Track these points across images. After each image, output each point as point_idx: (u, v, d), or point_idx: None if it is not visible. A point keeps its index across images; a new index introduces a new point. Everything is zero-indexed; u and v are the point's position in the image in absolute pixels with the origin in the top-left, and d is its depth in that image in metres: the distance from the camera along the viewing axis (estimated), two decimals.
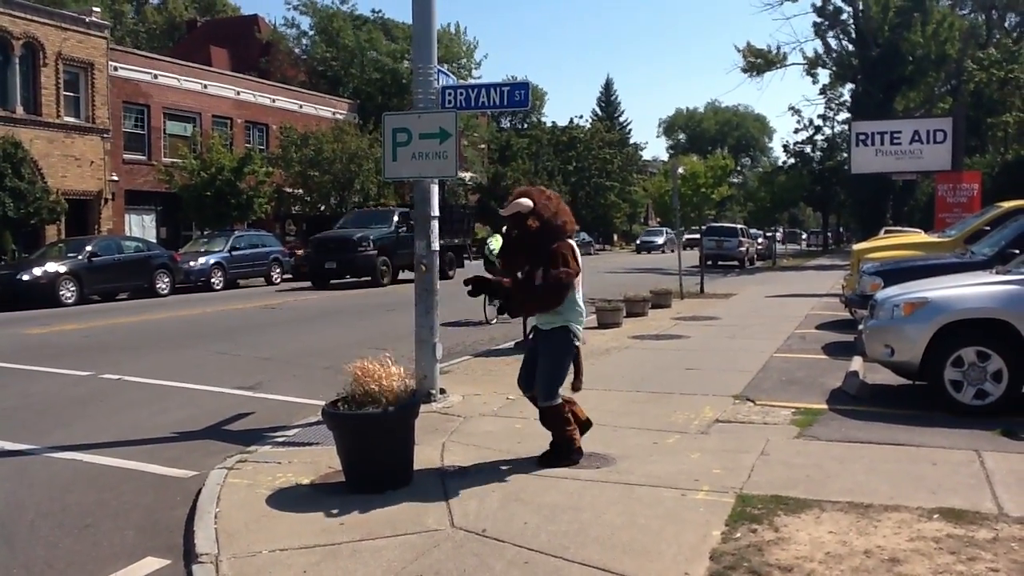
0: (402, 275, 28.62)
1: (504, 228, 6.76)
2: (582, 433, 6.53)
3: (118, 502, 6.03)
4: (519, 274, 6.41)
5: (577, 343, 6.36)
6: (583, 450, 6.38)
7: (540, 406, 6.32)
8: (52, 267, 22.45)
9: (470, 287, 7.49)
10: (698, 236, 31.33)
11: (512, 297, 6.42)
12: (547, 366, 6.27)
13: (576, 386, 6.57)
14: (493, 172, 55.47)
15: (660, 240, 60.94)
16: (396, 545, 4.84)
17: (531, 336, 6.61)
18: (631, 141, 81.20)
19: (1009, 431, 6.93)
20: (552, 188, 44.37)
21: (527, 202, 6.15)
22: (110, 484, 6.44)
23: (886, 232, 28.53)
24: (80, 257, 23.37)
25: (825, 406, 8.20)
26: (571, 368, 6.46)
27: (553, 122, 70.96)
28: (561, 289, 6.10)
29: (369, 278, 27.45)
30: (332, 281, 27.79)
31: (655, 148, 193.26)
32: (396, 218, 29.24)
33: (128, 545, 5.22)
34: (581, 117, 76.16)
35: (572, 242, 6.32)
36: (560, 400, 6.30)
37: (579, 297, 6.34)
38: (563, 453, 6.33)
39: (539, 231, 6.10)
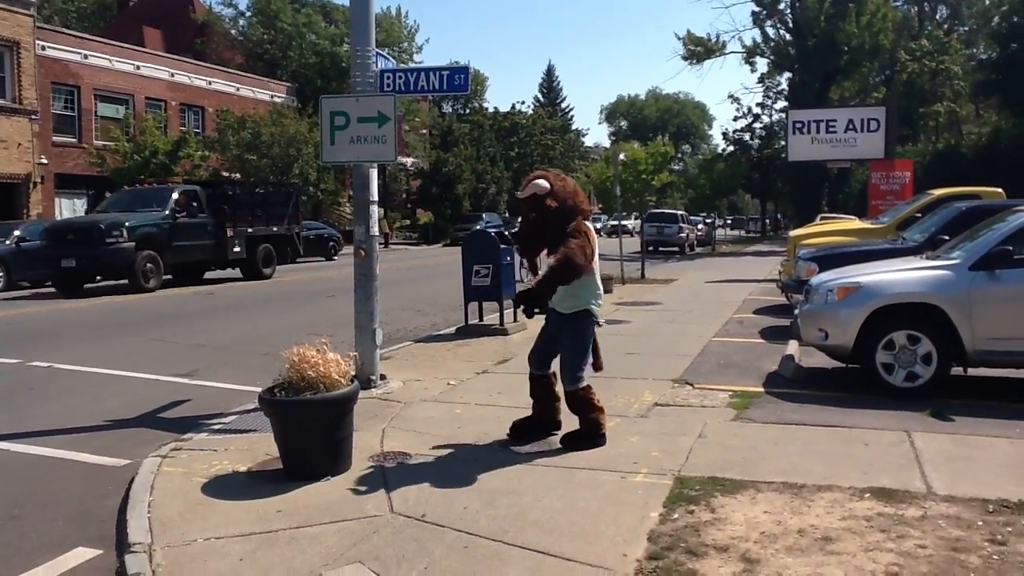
0: (200, 275, 24.31)
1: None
2: (550, 429, 6.54)
3: (47, 492, 5.87)
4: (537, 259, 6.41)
5: (596, 323, 6.38)
6: (605, 437, 6.36)
7: (567, 390, 6.31)
8: None
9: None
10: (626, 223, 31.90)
11: (530, 290, 6.21)
12: (572, 350, 6.28)
13: (597, 366, 6.58)
14: (435, 157, 55.11)
15: (596, 225, 61.56)
16: (334, 531, 4.79)
17: (546, 319, 6.56)
18: (573, 127, 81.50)
19: (938, 412, 7.12)
20: (494, 173, 44.12)
21: (544, 183, 6.16)
22: (39, 474, 6.27)
23: (822, 219, 29.10)
24: (8, 242, 22.63)
25: (762, 389, 8.34)
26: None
27: (495, 108, 70.86)
28: (574, 262, 5.98)
29: (126, 280, 20.69)
30: (86, 286, 21.22)
31: (597, 134, 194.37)
32: (175, 198, 22.39)
33: (57, 536, 5.08)
34: (523, 103, 75.92)
35: (588, 224, 6.32)
36: (587, 383, 6.30)
37: (597, 279, 6.38)
38: (589, 436, 6.32)
39: (557, 212, 6.11)
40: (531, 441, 6.46)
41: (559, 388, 6.50)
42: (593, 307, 6.32)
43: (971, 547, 4.37)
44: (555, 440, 6.47)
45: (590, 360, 6.42)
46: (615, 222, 56.79)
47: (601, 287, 6.48)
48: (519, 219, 6.68)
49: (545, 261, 6.24)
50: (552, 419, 6.62)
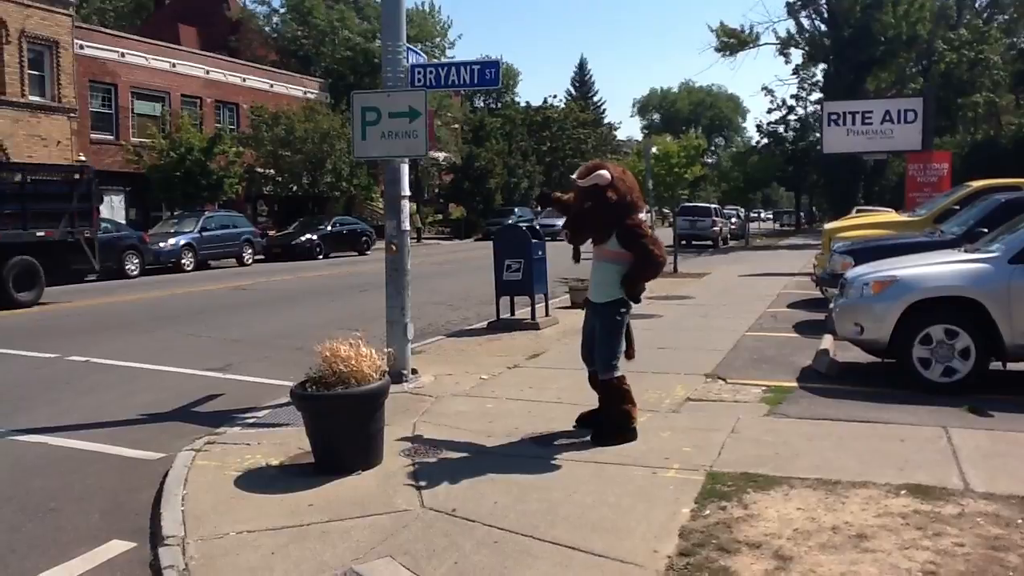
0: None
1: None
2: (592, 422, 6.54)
3: (83, 485, 5.95)
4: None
5: (628, 312, 6.42)
6: (636, 431, 6.37)
7: (600, 379, 6.34)
8: None
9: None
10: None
11: (631, 285, 6.28)
12: (605, 339, 6.33)
13: (629, 355, 6.62)
14: (467, 152, 55.12)
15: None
16: (365, 526, 4.81)
17: (585, 312, 6.68)
18: (605, 121, 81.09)
19: (976, 408, 7.00)
20: (526, 168, 44.04)
21: (606, 174, 6.18)
22: (75, 467, 6.36)
23: (857, 211, 28.69)
24: None
25: (795, 384, 8.25)
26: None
27: (527, 102, 70.68)
28: (656, 254, 6.16)
29: None
30: None
31: (629, 128, 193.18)
32: None
33: (93, 528, 5.15)
34: (555, 97, 75.81)
35: (643, 216, 6.39)
36: (621, 373, 6.31)
37: None
38: (619, 429, 6.30)
39: (616, 204, 6.14)
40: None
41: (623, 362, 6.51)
42: (626, 296, 6.32)
43: (1010, 545, 4.29)
44: (584, 434, 6.45)
45: (623, 349, 6.42)
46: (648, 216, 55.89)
47: None
48: (540, 210, 6.71)
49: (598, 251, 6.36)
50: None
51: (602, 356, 6.32)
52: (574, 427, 6.64)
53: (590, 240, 6.45)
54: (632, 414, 6.35)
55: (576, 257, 6.70)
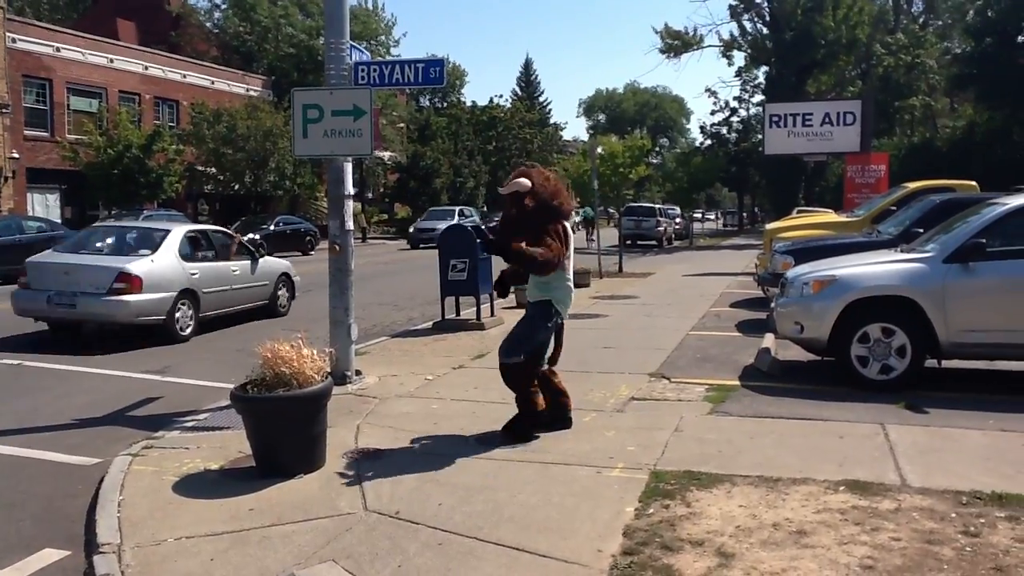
0: None
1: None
2: (561, 419, 6.63)
3: (14, 492, 5.77)
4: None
5: (559, 320, 6.48)
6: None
7: (501, 361, 6.40)
8: None
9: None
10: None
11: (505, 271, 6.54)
12: (521, 328, 6.43)
13: (552, 361, 6.68)
14: (412, 151, 54.84)
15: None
16: (307, 530, 4.74)
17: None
18: (551, 121, 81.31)
19: (912, 405, 7.15)
20: (472, 167, 43.98)
21: (526, 182, 6.27)
22: (6, 473, 6.17)
23: (798, 212, 29.18)
24: None
25: (738, 382, 8.34)
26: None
27: (473, 101, 70.60)
28: (545, 263, 6.16)
29: None
30: None
31: (575, 128, 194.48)
32: None
33: (25, 537, 5.00)
34: (501, 97, 75.82)
35: (566, 223, 6.45)
36: (520, 359, 6.32)
37: (569, 278, 6.49)
38: (526, 417, 6.40)
39: (535, 210, 6.22)
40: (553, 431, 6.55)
41: (558, 381, 6.65)
42: (555, 301, 6.40)
43: (944, 539, 4.38)
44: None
45: (542, 350, 6.49)
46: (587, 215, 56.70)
47: (572, 284, 6.56)
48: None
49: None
50: (562, 416, 6.68)
51: (508, 341, 6.41)
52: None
53: None
54: (537, 400, 6.44)
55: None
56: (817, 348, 8.42)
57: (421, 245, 35.79)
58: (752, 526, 4.60)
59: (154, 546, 4.62)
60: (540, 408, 6.45)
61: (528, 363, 6.35)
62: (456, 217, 35.31)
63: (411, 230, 40.02)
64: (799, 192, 54.95)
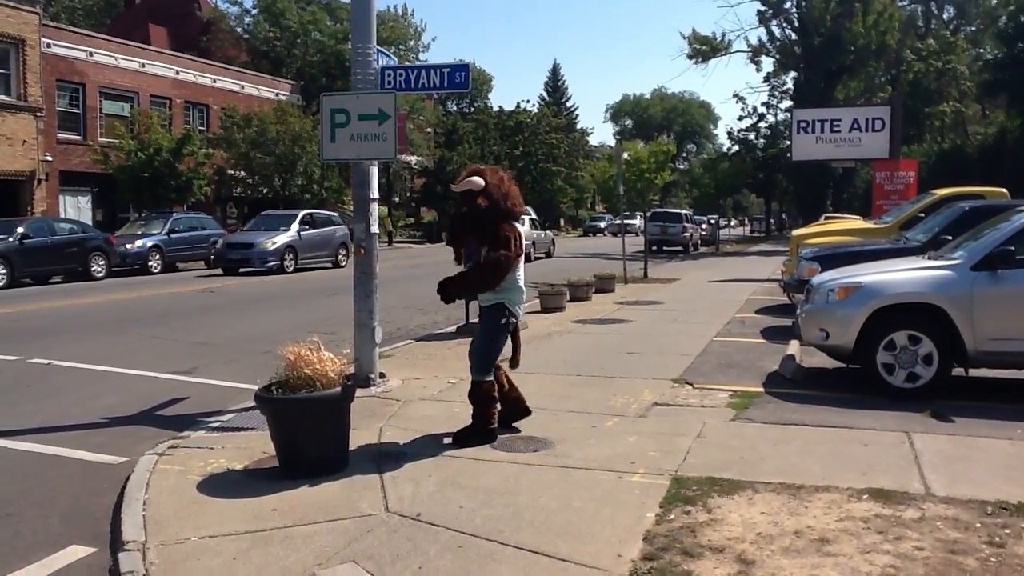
0: None
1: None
2: (517, 419, 6.72)
3: (42, 489, 5.86)
4: (462, 252, 6.55)
5: (514, 320, 6.49)
6: (497, 433, 6.49)
7: (473, 380, 6.41)
8: None
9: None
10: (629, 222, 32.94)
11: (450, 281, 6.43)
12: (481, 341, 6.42)
13: (513, 363, 6.75)
14: (439, 156, 55.05)
15: (602, 224, 68.19)
16: (328, 530, 4.77)
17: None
18: (578, 126, 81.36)
19: (938, 413, 7.08)
20: None
21: (479, 180, 6.25)
22: (34, 471, 6.26)
23: (826, 218, 29.03)
24: (11, 239, 22.65)
25: (762, 389, 8.30)
26: (510, 346, 6.65)
27: (500, 106, 70.68)
28: (499, 269, 6.23)
29: None
30: None
31: (602, 134, 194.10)
32: None
33: (52, 533, 5.07)
34: (528, 102, 75.72)
35: (518, 225, 6.45)
36: (491, 378, 6.41)
37: (519, 277, 6.46)
38: (480, 430, 6.41)
39: (487, 210, 6.21)
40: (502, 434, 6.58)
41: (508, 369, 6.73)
42: (508, 303, 6.42)
43: (968, 549, 4.34)
44: (551, 439, 6.47)
45: (502, 356, 6.56)
46: (619, 221, 57.18)
47: (523, 285, 6.56)
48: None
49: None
50: (519, 408, 6.77)
51: (477, 358, 6.40)
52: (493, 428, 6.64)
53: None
54: (493, 417, 6.45)
55: (457, 259, 6.76)
56: (842, 355, 8.37)
57: None
58: (773, 533, 4.58)
59: (178, 544, 4.68)
60: (495, 419, 6.47)
61: (492, 381, 6.44)
62: None
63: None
64: (827, 198, 54.67)
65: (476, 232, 6.30)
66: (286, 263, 26.08)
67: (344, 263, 27.98)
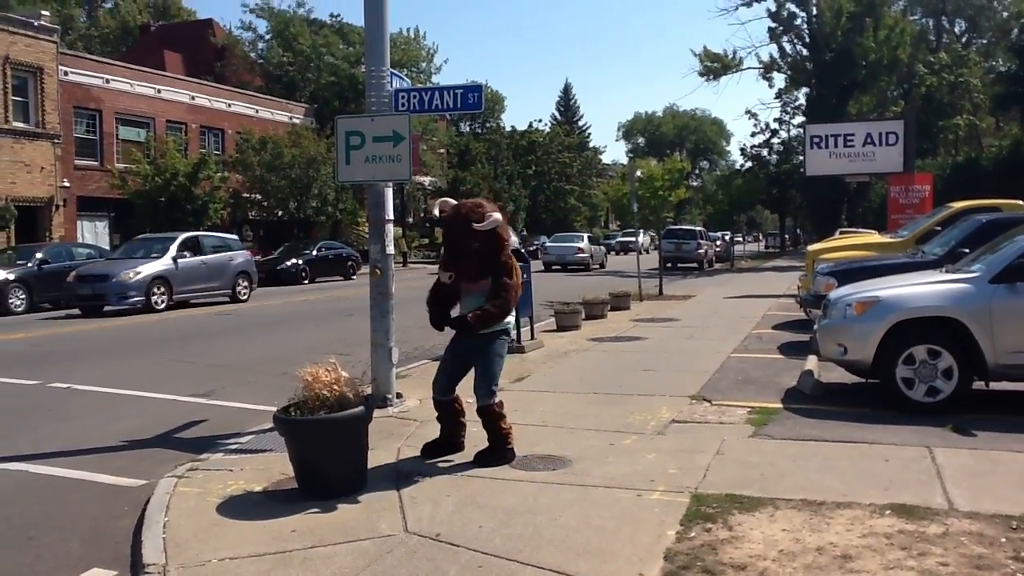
0: None
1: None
2: (450, 452, 6.66)
3: (63, 513, 5.88)
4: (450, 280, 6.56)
5: (510, 341, 6.85)
6: (513, 451, 6.52)
7: (481, 405, 6.43)
8: (0, 274, 21.92)
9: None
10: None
11: (475, 319, 6.38)
12: (488, 368, 6.48)
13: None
14: (452, 176, 55.28)
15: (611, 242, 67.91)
16: (348, 551, 4.76)
17: (455, 340, 6.74)
18: (590, 145, 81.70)
19: (960, 427, 7.02)
20: (512, 192, 44.30)
21: (500, 217, 6.34)
22: (55, 495, 6.29)
23: (841, 233, 28.92)
24: (30, 264, 22.87)
25: (780, 405, 8.25)
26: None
27: (512, 126, 71.02)
28: (515, 298, 6.48)
29: None
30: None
31: (615, 152, 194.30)
32: None
33: (73, 557, 5.08)
34: (540, 121, 76.06)
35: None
36: (499, 399, 6.49)
37: None
38: (499, 451, 6.45)
39: (498, 243, 6.35)
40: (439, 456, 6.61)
41: (465, 412, 6.73)
42: (510, 327, 6.72)
43: (994, 565, 4.29)
44: (569, 457, 6.45)
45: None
46: (624, 239, 57.42)
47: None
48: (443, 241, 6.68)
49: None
50: (456, 442, 6.73)
51: (485, 384, 6.44)
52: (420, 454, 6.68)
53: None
54: (511, 435, 6.51)
55: (454, 287, 6.73)
56: (861, 370, 8.31)
57: None
58: (796, 550, 4.54)
59: (198, 567, 4.68)
60: (509, 432, 6.52)
61: (500, 400, 6.53)
62: None
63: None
64: (841, 213, 54.48)
65: (488, 264, 6.33)
66: (155, 299, 21.10)
67: (245, 296, 24.09)
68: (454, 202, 6.59)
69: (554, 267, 39.47)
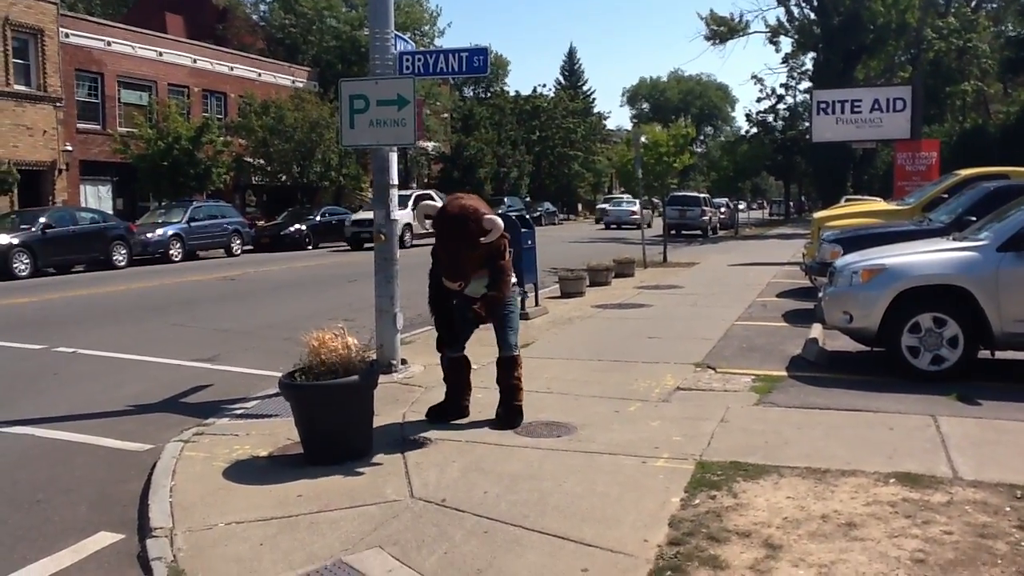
0: None
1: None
2: (456, 416, 6.78)
3: (70, 477, 5.91)
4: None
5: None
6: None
7: (505, 356, 6.55)
8: (4, 239, 21.92)
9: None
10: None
11: (495, 299, 6.51)
12: (507, 320, 6.59)
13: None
14: (456, 141, 54.98)
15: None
16: (354, 516, 4.79)
17: (455, 303, 6.68)
18: (595, 110, 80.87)
19: (964, 396, 7.02)
20: (515, 157, 44.05)
21: (497, 218, 6.36)
22: (62, 459, 6.32)
23: (846, 200, 28.76)
24: (33, 229, 22.87)
25: (785, 373, 8.25)
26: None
27: (517, 91, 70.42)
28: (511, 269, 6.76)
29: None
30: None
31: (619, 117, 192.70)
32: None
33: (80, 520, 5.12)
34: (545, 86, 75.48)
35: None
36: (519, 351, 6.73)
37: None
38: (514, 409, 6.58)
39: (503, 240, 6.49)
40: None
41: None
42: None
43: (998, 533, 4.30)
44: (574, 424, 6.47)
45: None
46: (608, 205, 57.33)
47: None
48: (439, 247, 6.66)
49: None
50: (462, 405, 6.82)
51: (511, 334, 6.58)
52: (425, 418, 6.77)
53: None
54: (522, 392, 6.68)
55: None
56: (866, 338, 8.29)
57: None
58: (800, 518, 4.56)
59: (205, 530, 4.71)
60: (522, 387, 6.69)
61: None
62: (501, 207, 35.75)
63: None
64: (847, 180, 54.17)
65: (484, 260, 6.43)
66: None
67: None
68: (438, 204, 6.59)
69: (611, 225, 47.56)
